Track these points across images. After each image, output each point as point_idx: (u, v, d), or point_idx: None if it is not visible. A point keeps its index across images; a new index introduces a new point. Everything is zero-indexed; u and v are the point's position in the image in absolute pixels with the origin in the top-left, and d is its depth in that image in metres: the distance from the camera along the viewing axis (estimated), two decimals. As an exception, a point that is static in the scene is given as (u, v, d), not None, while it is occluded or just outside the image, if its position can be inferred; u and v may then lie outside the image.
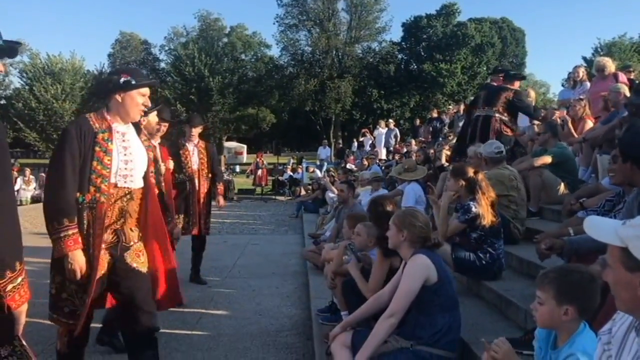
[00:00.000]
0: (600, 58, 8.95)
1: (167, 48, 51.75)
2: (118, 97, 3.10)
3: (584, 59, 46.98)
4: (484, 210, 4.23)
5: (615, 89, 6.90)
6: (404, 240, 3.11)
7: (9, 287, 1.91)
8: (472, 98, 17.12)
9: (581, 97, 8.77)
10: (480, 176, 4.34)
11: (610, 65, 8.21)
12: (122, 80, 3.08)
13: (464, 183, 4.39)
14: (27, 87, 40.22)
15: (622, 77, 8.13)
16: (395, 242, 3.18)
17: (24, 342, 2.02)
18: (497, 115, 7.24)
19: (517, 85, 7.72)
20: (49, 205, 2.96)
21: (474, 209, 4.28)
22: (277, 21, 47.37)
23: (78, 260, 2.94)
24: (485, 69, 46.46)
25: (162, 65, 51.73)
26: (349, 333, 3.36)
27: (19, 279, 1.95)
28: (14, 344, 1.98)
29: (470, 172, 4.38)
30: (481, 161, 5.67)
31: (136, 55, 52.14)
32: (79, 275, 2.96)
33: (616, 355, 1.68)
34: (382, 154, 18.34)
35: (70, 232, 2.93)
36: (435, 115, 17.44)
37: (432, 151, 11.28)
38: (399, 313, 2.92)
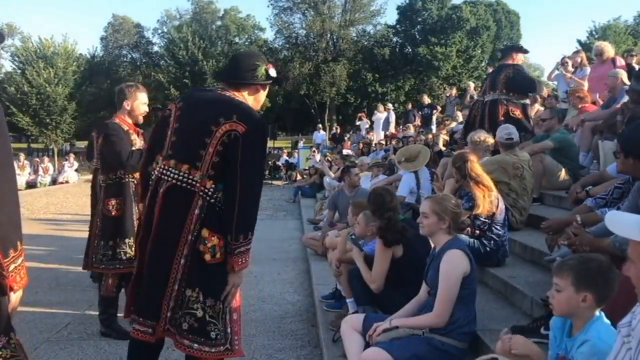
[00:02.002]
0: (599, 43, 8.93)
1: (160, 31, 51.25)
2: None
3: (579, 42, 46.98)
4: (479, 200, 4.23)
5: (614, 74, 6.91)
6: (445, 227, 3.10)
7: (12, 267, 1.90)
8: (470, 82, 17.10)
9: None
10: (469, 165, 4.33)
11: (609, 49, 8.19)
12: None
13: (456, 171, 4.43)
14: (19, 71, 39.70)
15: (620, 61, 8.13)
16: (432, 230, 3.15)
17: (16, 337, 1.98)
18: (502, 97, 7.00)
19: (517, 59, 7.28)
20: (253, 215, 2.61)
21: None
22: (271, 4, 46.97)
23: None
24: (480, 52, 46.32)
25: (156, 48, 51.23)
26: (360, 317, 3.39)
27: (20, 260, 1.93)
28: (9, 336, 1.94)
29: (460, 160, 4.41)
30: (480, 147, 5.65)
31: (129, 39, 51.51)
32: None
33: (636, 347, 1.68)
34: (380, 137, 18.27)
35: None
36: (426, 101, 17.27)
37: (430, 136, 11.28)
38: (446, 315, 2.94)
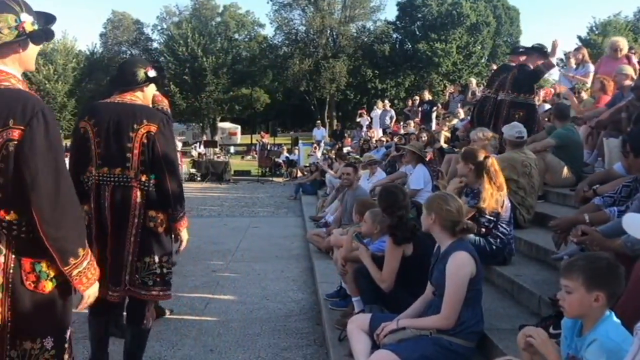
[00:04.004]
0: (616, 38, 8.85)
1: (159, 28, 51.08)
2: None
3: (579, 38, 46.96)
4: (487, 195, 4.19)
5: (621, 70, 6.85)
6: (433, 223, 3.10)
7: (74, 272, 2.11)
8: (471, 79, 16.96)
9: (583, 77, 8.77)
10: (490, 161, 4.29)
11: (625, 46, 8.12)
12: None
13: (472, 167, 4.33)
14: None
15: (634, 59, 8.06)
16: (425, 225, 3.19)
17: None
18: (507, 99, 6.90)
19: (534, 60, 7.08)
20: (181, 190, 3.42)
21: (483, 194, 4.25)
22: (270, 0, 46.90)
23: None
24: (480, 48, 46.27)
25: (155, 45, 51.09)
26: (367, 316, 3.37)
27: (84, 264, 2.14)
28: (64, 337, 2.20)
29: (481, 156, 4.32)
30: (485, 145, 5.62)
31: (128, 35, 51.36)
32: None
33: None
34: (379, 134, 18.23)
35: None
36: (426, 97, 17.10)
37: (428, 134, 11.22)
38: (453, 317, 2.93)
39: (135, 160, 3.17)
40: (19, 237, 2.04)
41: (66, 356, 2.22)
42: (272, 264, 7.05)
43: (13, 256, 2.04)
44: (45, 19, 2.23)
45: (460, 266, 2.94)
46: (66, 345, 2.21)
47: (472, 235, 4.24)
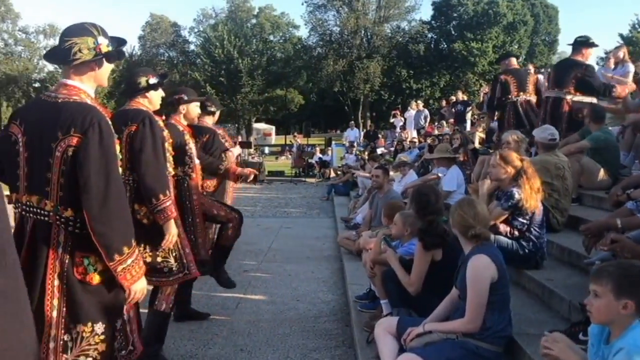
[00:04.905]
0: None
1: (196, 30, 51.93)
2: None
3: (621, 35, 45.65)
4: (527, 195, 4.13)
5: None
6: (453, 227, 3.13)
7: (119, 268, 2.33)
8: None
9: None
10: (526, 163, 4.24)
11: None
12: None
13: (510, 170, 4.26)
14: (59, 70, 40.87)
15: None
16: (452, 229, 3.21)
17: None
18: (568, 97, 6.62)
19: (587, 54, 6.87)
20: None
21: (517, 196, 4.18)
22: (305, 1, 47.06)
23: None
24: (517, 47, 45.48)
25: (192, 47, 51.96)
26: (394, 319, 3.38)
27: (129, 261, 2.36)
28: (114, 325, 2.46)
29: (518, 159, 4.27)
30: (517, 148, 5.54)
31: (166, 38, 52.32)
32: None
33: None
34: (413, 135, 18.10)
35: None
36: (460, 98, 16.80)
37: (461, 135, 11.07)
38: (478, 320, 2.91)
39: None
40: (74, 233, 2.35)
41: (116, 343, 2.47)
42: (303, 265, 7.11)
43: (68, 249, 2.36)
44: (118, 42, 2.59)
45: (478, 270, 2.93)
46: (116, 333, 2.47)
47: (504, 239, 4.22)
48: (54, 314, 2.34)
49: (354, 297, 5.12)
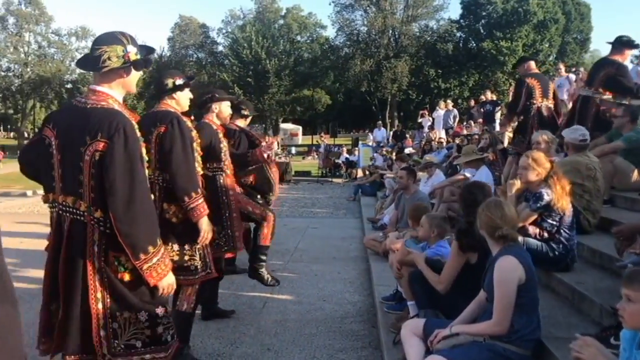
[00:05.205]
0: None
1: (224, 31, 52.48)
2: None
3: (656, 33, 44.52)
4: (558, 195, 4.06)
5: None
6: (480, 228, 3.11)
7: (145, 266, 2.44)
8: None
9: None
10: (555, 165, 4.19)
11: None
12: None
13: (543, 172, 4.19)
14: (91, 72, 41.65)
15: None
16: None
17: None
18: (596, 95, 6.50)
19: (626, 56, 6.65)
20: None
21: (546, 197, 4.11)
22: (332, 1, 47.15)
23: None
24: (547, 46, 44.77)
25: (220, 48, 52.55)
26: (421, 321, 3.36)
27: (155, 259, 2.46)
28: (156, 314, 2.59)
29: (548, 160, 4.21)
30: (547, 148, 5.45)
31: (195, 39, 52.96)
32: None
33: None
34: (442, 135, 17.95)
35: None
36: (489, 97, 16.56)
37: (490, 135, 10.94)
38: (506, 322, 2.88)
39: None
40: (105, 232, 2.46)
41: (160, 328, 2.59)
42: (329, 265, 7.11)
43: (103, 247, 2.48)
44: (147, 50, 2.68)
45: (506, 271, 2.89)
46: (159, 320, 2.59)
47: (533, 241, 4.16)
48: (100, 306, 2.49)
49: (380, 298, 5.10)
